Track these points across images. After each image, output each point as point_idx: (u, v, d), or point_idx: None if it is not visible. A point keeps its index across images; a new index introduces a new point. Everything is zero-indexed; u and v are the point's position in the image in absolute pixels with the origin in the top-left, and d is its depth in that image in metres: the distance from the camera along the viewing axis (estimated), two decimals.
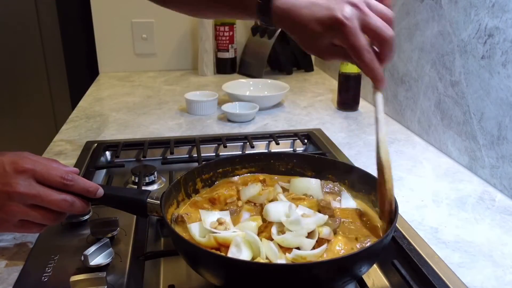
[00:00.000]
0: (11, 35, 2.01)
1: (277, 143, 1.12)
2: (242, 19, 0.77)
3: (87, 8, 1.85)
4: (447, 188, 0.92)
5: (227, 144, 1.10)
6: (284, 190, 0.75)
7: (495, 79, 0.89)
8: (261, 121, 1.33)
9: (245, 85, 1.58)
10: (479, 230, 0.78)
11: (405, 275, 0.62)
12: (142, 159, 1.07)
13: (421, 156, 1.08)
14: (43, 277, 0.63)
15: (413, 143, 1.16)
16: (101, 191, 0.64)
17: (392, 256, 0.67)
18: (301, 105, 1.49)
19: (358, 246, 0.61)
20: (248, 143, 1.11)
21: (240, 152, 1.12)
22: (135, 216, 0.76)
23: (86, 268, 0.62)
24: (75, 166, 0.98)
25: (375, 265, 0.71)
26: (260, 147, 1.14)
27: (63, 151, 1.10)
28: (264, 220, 0.65)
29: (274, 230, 0.62)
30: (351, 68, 1.37)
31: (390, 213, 0.63)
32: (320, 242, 0.61)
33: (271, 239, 0.60)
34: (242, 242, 0.59)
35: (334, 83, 1.67)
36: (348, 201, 0.73)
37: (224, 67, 1.92)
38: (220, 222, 0.64)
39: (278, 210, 0.64)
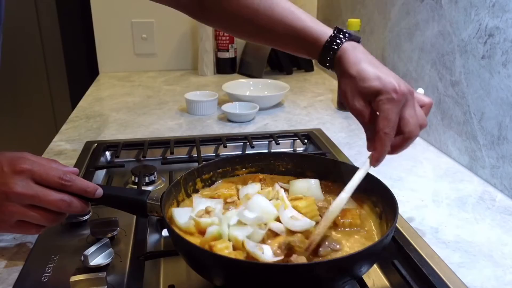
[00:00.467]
0: (11, 35, 2.01)
1: (277, 143, 1.12)
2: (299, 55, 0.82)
3: (87, 8, 1.85)
4: (447, 188, 0.92)
5: (227, 144, 1.10)
6: (284, 190, 0.75)
7: (495, 79, 0.89)
8: (261, 121, 1.32)
9: (245, 85, 1.58)
10: (479, 230, 0.78)
11: (405, 275, 0.62)
12: (142, 159, 1.07)
13: (421, 156, 1.08)
14: (43, 277, 0.63)
15: (413, 143, 1.15)
16: (100, 191, 0.64)
17: (392, 256, 0.67)
18: (301, 105, 1.49)
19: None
20: (248, 143, 1.11)
21: (240, 152, 1.12)
22: (135, 216, 0.76)
23: (86, 268, 0.62)
24: (75, 166, 0.98)
25: (375, 265, 0.71)
26: (260, 147, 1.14)
27: (63, 151, 1.10)
28: None
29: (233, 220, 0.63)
30: None
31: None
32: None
33: None
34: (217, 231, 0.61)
35: (334, 83, 1.67)
36: (348, 202, 0.72)
37: (224, 67, 1.92)
38: (207, 211, 0.65)
39: (259, 204, 0.64)
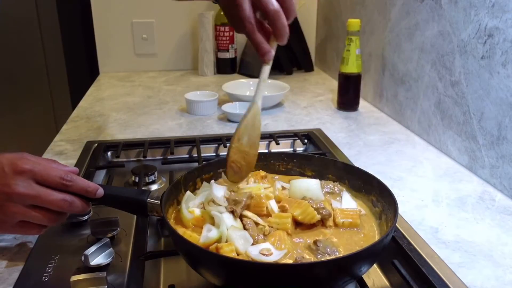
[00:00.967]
0: (11, 35, 2.01)
1: (277, 143, 1.12)
2: None
3: (88, 8, 1.85)
4: (447, 188, 0.92)
5: (227, 144, 1.10)
6: (284, 189, 0.75)
7: (495, 79, 0.89)
8: (261, 121, 1.32)
9: (245, 85, 1.58)
10: (479, 230, 0.78)
11: (405, 275, 0.63)
12: (142, 159, 1.07)
13: (421, 156, 1.08)
14: (43, 277, 0.63)
15: (413, 143, 1.16)
16: (100, 191, 0.64)
17: (392, 256, 0.67)
18: (301, 105, 1.49)
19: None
20: None
21: None
22: (135, 216, 0.77)
23: (86, 268, 0.62)
24: (76, 166, 0.98)
25: (375, 265, 0.71)
26: (260, 147, 1.14)
27: (64, 151, 1.10)
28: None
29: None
30: (351, 68, 1.37)
31: (233, 173, 0.67)
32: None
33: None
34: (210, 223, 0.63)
35: (334, 83, 1.67)
36: (348, 202, 0.72)
37: (224, 67, 1.92)
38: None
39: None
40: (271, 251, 0.59)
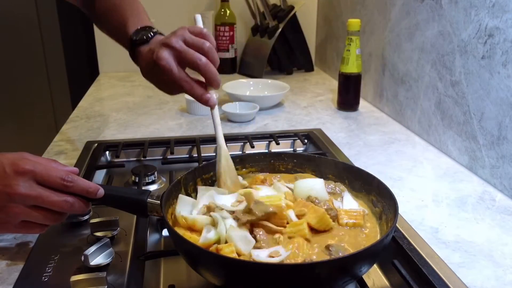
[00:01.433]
0: (11, 35, 2.01)
1: (277, 143, 1.12)
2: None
3: None
4: (447, 188, 0.92)
5: (227, 144, 1.09)
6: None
7: (495, 79, 0.89)
8: (261, 121, 1.33)
9: (245, 85, 1.58)
10: (479, 230, 0.78)
11: (405, 275, 0.63)
12: (142, 159, 1.07)
13: (421, 156, 1.08)
14: (43, 277, 0.63)
15: (413, 143, 1.16)
16: (101, 191, 0.64)
17: (392, 256, 0.67)
18: (301, 105, 1.49)
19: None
20: (248, 143, 1.11)
21: (240, 152, 1.12)
22: (135, 216, 0.77)
23: (86, 268, 0.62)
24: (76, 166, 0.98)
25: (375, 265, 0.71)
26: (260, 147, 1.14)
27: (64, 151, 1.10)
28: None
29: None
30: (351, 68, 1.37)
31: None
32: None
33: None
34: (210, 224, 0.63)
35: (334, 83, 1.67)
36: (350, 202, 0.72)
37: (225, 67, 1.92)
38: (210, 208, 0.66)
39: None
40: (279, 253, 0.58)
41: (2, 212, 0.60)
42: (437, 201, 0.87)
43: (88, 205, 0.65)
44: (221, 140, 0.76)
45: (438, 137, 1.11)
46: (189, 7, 1.89)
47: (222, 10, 1.87)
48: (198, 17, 0.82)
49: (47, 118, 2.26)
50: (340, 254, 0.60)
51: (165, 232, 0.80)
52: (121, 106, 1.47)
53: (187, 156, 1.11)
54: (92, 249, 0.63)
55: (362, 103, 1.46)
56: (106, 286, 0.60)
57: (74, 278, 0.59)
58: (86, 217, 0.76)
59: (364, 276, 0.62)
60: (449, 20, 1.03)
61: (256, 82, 1.62)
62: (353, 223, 0.67)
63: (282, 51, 1.87)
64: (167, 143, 1.10)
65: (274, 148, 1.14)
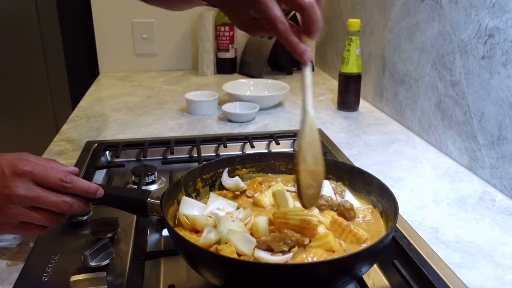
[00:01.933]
0: (11, 35, 2.01)
1: (277, 143, 1.12)
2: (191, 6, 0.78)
3: (88, 8, 1.85)
4: (447, 188, 0.92)
5: (227, 144, 1.10)
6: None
7: (495, 79, 0.89)
8: (261, 121, 1.33)
9: (246, 85, 1.58)
10: (479, 230, 0.78)
11: (405, 275, 0.62)
12: (142, 159, 1.07)
13: (421, 156, 1.08)
14: (43, 277, 0.63)
15: (413, 143, 1.16)
16: (101, 191, 0.64)
17: (392, 256, 0.67)
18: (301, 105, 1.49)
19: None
20: (248, 143, 1.11)
21: (240, 152, 1.12)
22: (135, 216, 0.77)
23: (86, 268, 0.62)
24: (76, 166, 0.98)
25: (375, 265, 0.71)
26: (260, 147, 1.14)
27: (64, 151, 1.10)
28: None
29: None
30: (351, 68, 1.37)
31: (309, 197, 0.60)
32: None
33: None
34: (212, 225, 0.63)
35: (334, 83, 1.67)
36: (352, 201, 0.72)
37: (225, 67, 1.92)
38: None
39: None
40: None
41: (0, 213, 0.60)
42: (437, 201, 0.87)
43: (88, 205, 0.65)
44: (309, 105, 0.60)
45: (438, 137, 1.11)
46: None
47: None
48: None
49: (47, 118, 2.26)
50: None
51: (165, 232, 0.80)
52: (121, 106, 1.47)
53: (187, 156, 1.11)
54: (92, 249, 0.63)
55: (362, 103, 1.46)
56: (106, 286, 0.60)
57: (74, 278, 0.59)
58: (86, 217, 0.76)
59: (364, 276, 0.62)
60: (449, 20, 1.03)
61: (256, 82, 1.62)
62: (368, 220, 0.68)
63: (282, 51, 1.87)
64: (167, 143, 1.10)
65: (274, 148, 1.14)
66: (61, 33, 2.21)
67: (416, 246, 0.69)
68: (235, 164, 0.80)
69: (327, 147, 1.09)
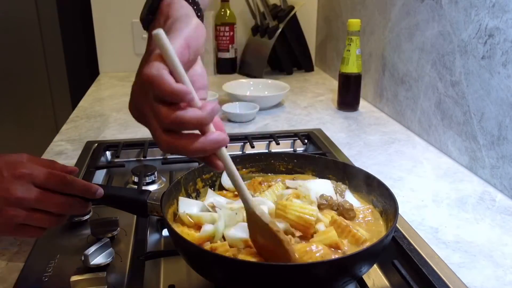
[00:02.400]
0: (11, 35, 2.01)
1: (277, 143, 1.12)
2: None
3: (88, 8, 1.85)
4: (447, 188, 0.92)
5: (227, 144, 1.09)
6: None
7: (495, 79, 0.89)
8: (261, 121, 1.33)
9: (246, 85, 1.58)
10: (479, 230, 0.78)
11: (405, 275, 0.62)
12: (142, 159, 1.07)
13: (422, 156, 1.08)
14: (43, 277, 0.63)
15: (413, 143, 1.16)
16: (100, 192, 0.64)
17: (392, 256, 0.67)
18: (301, 105, 1.49)
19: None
20: (248, 143, 1.11)
21: (240, 152, 1.12)
22: (135, 216, 0.77)
23: (86, 268, 0.62)
24: (76, 166, 0.97)
25: (375, 265, 0.71)
26: (260, 147, 1.14)
27: (64, 151, 1.10)
28: None
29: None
30: (351, 68, 1.37)
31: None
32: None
33: None
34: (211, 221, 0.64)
35: (334, 83, 1.67)
36: (352, 201, 0.72)
37: (225, 67, 1.92)
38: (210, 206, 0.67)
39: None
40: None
41: (0, 216, 0.60)
42: (437, 201, 0.87)
43: (88, 205, 0.65)
44: (246, 200, 0.58)
45: (438, 137, 1.11)
46: None
47: (222, 10, 1.87)
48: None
49: (47, 118, 2.26)
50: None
51: (165, 232, 0.80)
52: (121, 106, 1.46)
53: None
54: (92, 249, 0.63)
55: (362, 103, 1.46)
56: (106, 286, 0.60)
57: (74, 278, 0.59)
58: (86, 217, 0.76)
59: (364, 276, 0.62)
60: (449, 20, 1.03)
61: (256, 82, 1.62)
62: (368, 220, 0.68)
63: (282, 51, 1.87)
64: None
65: (274, 148, 1.14)
66: (61, 33, 2.21)
67: (416, 246, 0.69)
68: (235, 164, 0.79)
69: (327, 147, 1.09)
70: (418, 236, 0.74)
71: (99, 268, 0.63)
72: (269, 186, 0.76)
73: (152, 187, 0.93)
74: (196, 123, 0.49)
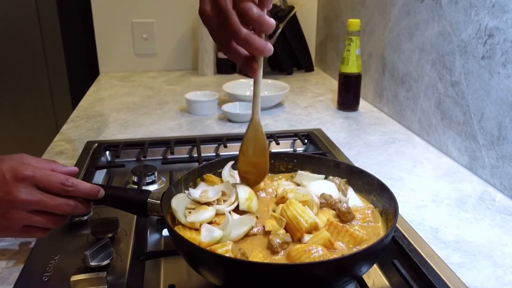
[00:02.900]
0: (12, 35, 2.01)
1: (277, 143, 1.12)
2: None
3: (88, 8, 1.85)
4: (447, 188, 0.92)
5: (228, 144, 1.10)
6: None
7: (495, 79, 0.89)
8: (261, 121, 1.32)
9: (245, 85, 1.58)
10: (479, 230, 0.78)
11: (405, 275, 0.63)
12: (142, 159, 1.07)
13: (421, 156, 1.08)
14: (43, 277, 0.63)
15: (413, 143, 1.16)
16: (102, 192, 0.65)
17: (392, 256, 0.67)
18: (301, 105, 1.49)
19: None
20: None
21: None
22: (135, 216, 0.77)
23: (87, 268, 0.62)
24: (76, 166, 0.97)
25: (375, 265, 0.71)
26: None
27: (64, 151, 1.10)
28: None
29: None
30: (351, 68, 1.37)
31: (248, 180, 0.71)
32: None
33: None
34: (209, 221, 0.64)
35: (334, 83, 1.67)
36: (354, 200, 0.72)
37: (225, 67, 1.92)
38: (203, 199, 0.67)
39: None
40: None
41: (4, 219, 0.60)
42: (437, 201, 0.87)
43: (89, 205, 0.66)
44: (255, 112, 0.70)
45: (438, 137, 1.11)
46: (189, 7, 1.89)
47: None
48: None
49: (47, 118, 2.26)
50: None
51: (165, 232, 0.80)
52: (121, 106, 1.47)
53: (187, 156, 1.11)
54: (92, 249, 0.63)
55: (362, 103, 1.46)
56: (106, 286, 0.60)
57: (74, 278, 0.60)
58: (86, 217, 0.76)
59: (364, 276, 0.62)
60: (449, 20, 1.03)
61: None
62: (363, 218, 0.68)
63: (282, 51, 1.87)
64: (167, 143, 1.10)
65: (274, 148, 1.14)
66: (61, 33, 2.21)
67: (416, 246, 0.69)
68: (235, 164, 0.80)
69: (327, 147, 1.09)
70: (418, 236, 0.74)
71: (99, 268, 0.63)
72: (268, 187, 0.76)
73: (152, 187, 0.93)
74: (267, 28, 0.64)
